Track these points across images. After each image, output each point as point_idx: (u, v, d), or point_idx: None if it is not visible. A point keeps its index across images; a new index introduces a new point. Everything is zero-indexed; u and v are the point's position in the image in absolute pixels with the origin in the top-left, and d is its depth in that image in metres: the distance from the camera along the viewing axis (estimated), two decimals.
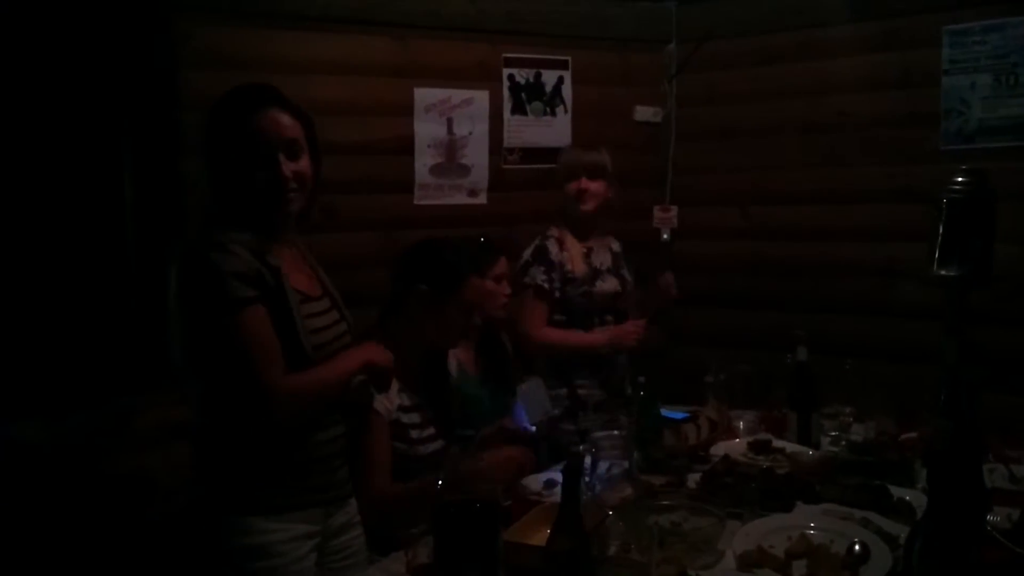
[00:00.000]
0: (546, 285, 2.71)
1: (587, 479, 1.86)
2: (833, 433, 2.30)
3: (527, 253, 2.77)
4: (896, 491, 1.88)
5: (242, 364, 1.55)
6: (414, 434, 2.02)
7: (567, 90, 3.38)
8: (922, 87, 3.05)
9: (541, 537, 1.51)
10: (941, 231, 1.49)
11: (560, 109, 3.38)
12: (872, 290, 3.16)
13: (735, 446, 2.24)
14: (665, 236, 3.58)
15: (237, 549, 1.60)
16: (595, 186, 2.77)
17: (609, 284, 2.82)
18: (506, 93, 3.28)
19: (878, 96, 3.15)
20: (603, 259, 2.85)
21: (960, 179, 1.49)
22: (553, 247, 2.75)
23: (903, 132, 3.10)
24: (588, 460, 1.88)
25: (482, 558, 1.28)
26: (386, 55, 3.06)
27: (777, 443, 2.23)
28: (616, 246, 2.95)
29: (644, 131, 3.55)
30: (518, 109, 3.30)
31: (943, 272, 1.48)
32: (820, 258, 3.29)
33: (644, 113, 3.53)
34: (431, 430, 2.06)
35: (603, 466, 1.91)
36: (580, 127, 3.38)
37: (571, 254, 2.76)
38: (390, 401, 1.94)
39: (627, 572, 1.43)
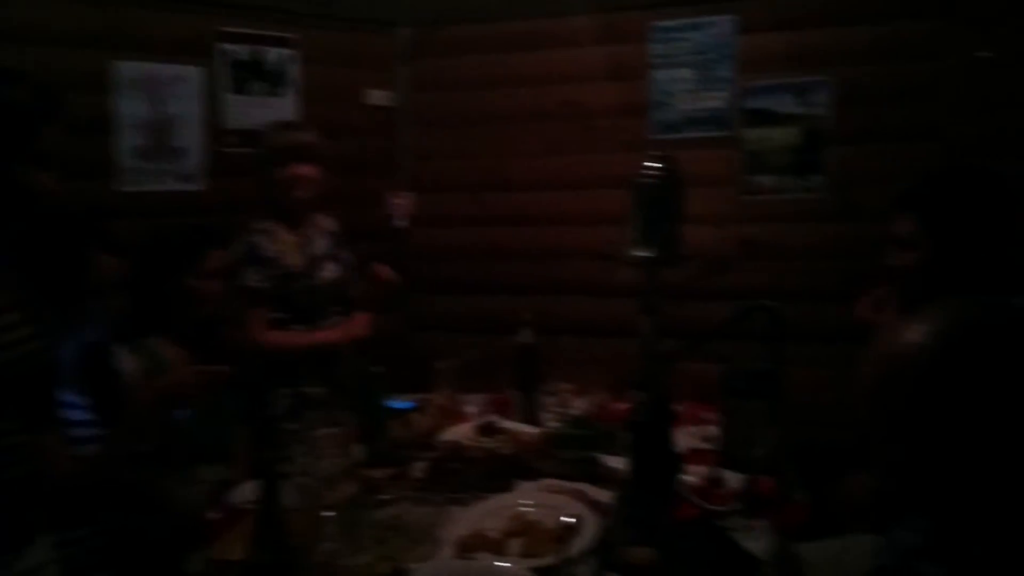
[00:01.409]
0: (259, 285, 2.50)
1: (304, 480, 1.76)
2: (555, 409, 2.38)
3: (236, 252, 2.49)
4: (608, 461, 1.97)
5: None
6: (77, 432, 1.81)
7: (293, 70, 3.21)
8: (634, 79, 3.25)
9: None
10: (635, 214, 1.57)
11: (286, 90, 3.20)
12: (596, 272, 3.32)
13: (463, 431, 2.24)
14: (400, 224, 3.55)
15: None
16: (308, 170, 2.55)
17: (329, 271, 2.64)
18: (223, 71, 3.05)
19: (597, 87, 3.31)
20: (320, 245, 2.66)
21: (650, 164, 1.58)
22: (264, 242, 2.54)
23: (619, 122, 3.28)
24: (304, 459, 1.78)
25: None
26: (79, 22, 2.72)
27: (503, 424, 2.27)
28: (332, 225, 2.73)
29: (376, 116, 3.46)
30: (238, 88, 3.08)
31: (638, 253, 1.56)
32: (549, 243, 3.41)
33: (376, 97, 3.45)
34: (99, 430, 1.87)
35: (322, 465, 1.82)
36: (308, 109, 3.23)
37: (285, 247, 2.56)
38: None
39: None
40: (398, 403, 2.14)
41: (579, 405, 2.38)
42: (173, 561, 1.28)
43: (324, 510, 1.62)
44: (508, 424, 2.26)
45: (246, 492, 1.88)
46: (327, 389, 2.50)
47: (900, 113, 2.97)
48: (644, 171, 1.58)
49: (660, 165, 1.58)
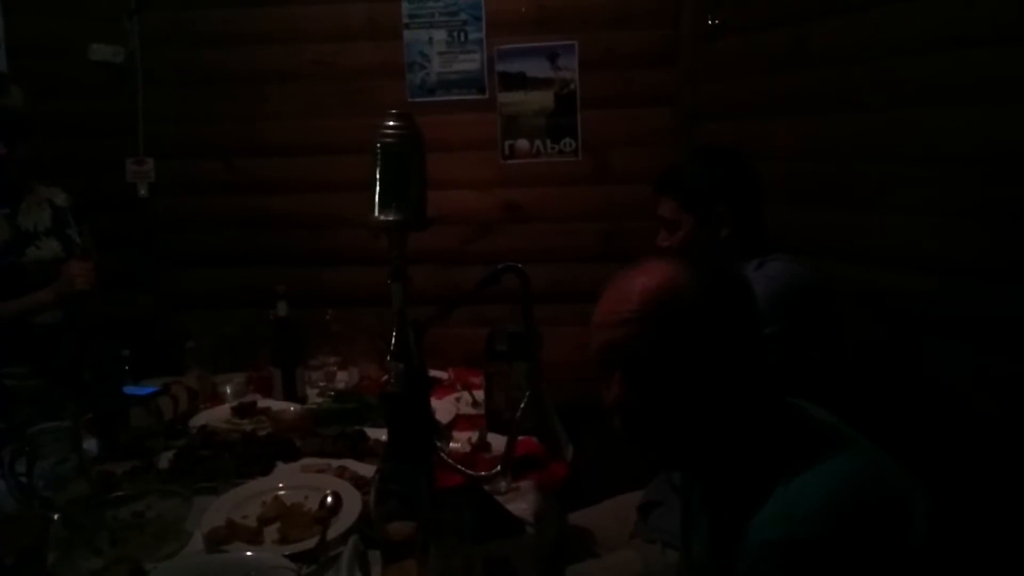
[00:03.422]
0: None
1: (23, 482, 1.56)
2: (320, 384, 2.29)
3: None
4: (374, 433, 1.92)
5: None
6: None
7: None
8: (389, 40, 3.16)
9: None
10: (378, 177, 1.51)
11: None
12: (361, 240, 3.22)
13: (218, 413, 2.10)
14: (143, 192, 3.25)
15: None
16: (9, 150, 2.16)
17: (46, 250, 2.28)
18: None
19: (352, 47, 3.20)
20: (39, 219, 2.31)
21: (389, 124, 1.52)
22: None
23: (376, 83, 3.19)
24: (22, 461, 1.56)
25: None
26: None
27: (263, 403, 2.15)
28: (61, 199, 2.39)
29: (104, 73, 3.11)
30: None
31: (383, 217, 1.51)
32: (309, 210, 3.26)
33: (102, 52, 3.09)
34: None
35: (45, 465, 1.61)
36: (23, 65, 2.82)
37: None
38: None
39: None
40: (139, 389, 1.95)
41: (344, 378, 2.31)
42: None
43: (50, 514, 1.44)
44: (268, 403, 2.15)
45: None
46: (43, 380, 2.23)
47: (640, 78, 3.12)
48: (384, 132, 1.52)
49: (399, 124, 1.53)
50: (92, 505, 1.53)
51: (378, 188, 1.51)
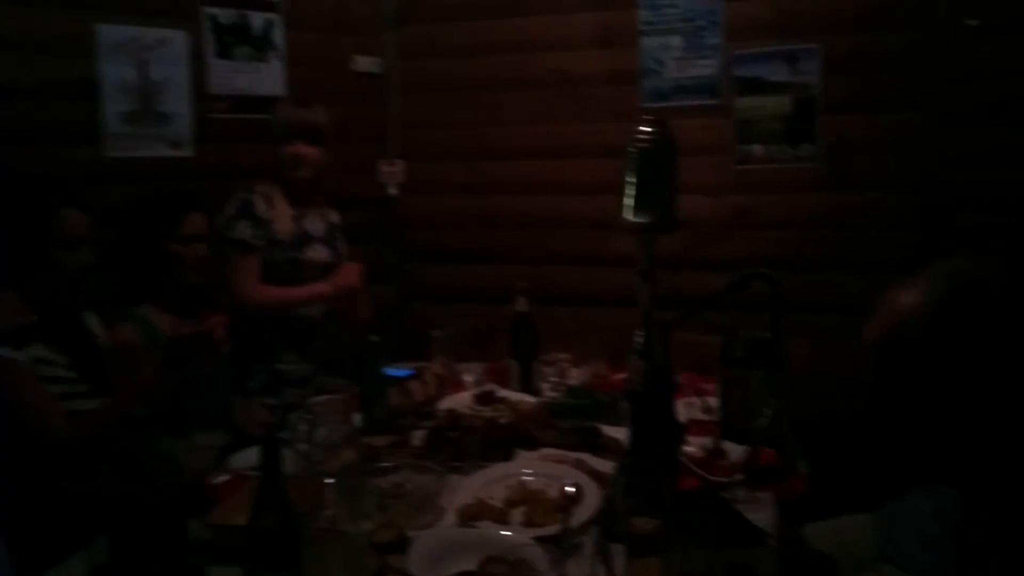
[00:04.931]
0: (252, 241, 2.45)
1: (304, 447, 1.76)
2: (553, 379, 2.38)
3: (230, 207, 2.47)
4: (607, 430, 1.98)
5: None
6: (61, 389, 1.85)
7: (278, 35, 3.15)
8: (624, 47, 3.21)
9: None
10: (632, 180, 1.56)
11: (272, 55, 3.14)
12: (589, 241, 3.32)
13: (461, 399, 2.24)
14: (392, 192, 3.52)
15: None
16: (311, 152, 2.52)
17: (319, 253, 2.58)
18: (208, 35, 2.98)
19: (586, 55, 3.28)
20: (315, 226, 2.61)
21: (644, 129, 1.56)
22: (259, 202, 2.49)
23: (609, 89, 3.25)
24: (304, 427, 1.77)
25: (169, 549, 1.13)
26: None
27: (501, 393, 2.27)
28: (335, 218, 2.72)
29: (364, 82, 3.41)
30: (224, 53, 3.02)
31: (635, 220, 1.55)
32: (542, 212, 3.39)
33: (364, 63, 3.39)
34: (83, 387, 1.89)
35: (322, 432, 1.81)
36: (295, 75, 3.18)
37: (278, 212, 2.51)
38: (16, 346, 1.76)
39: (337, 543, 1.35)
40: (396, 371, 2.13)
41: (576, 375, 2.38)
42: (175, 526, 1.27)
43: (325, 477, 1.62)
44: (506, 393, 2.26)
45: (245, 458, 1.88)
46: (308, 365, 2.50)
47: (890, 82, 2.96)
48: (638, 136, 1.56)
49: (654, 130, 1.56)
50: (360, 472, 1.69)
51: (631, 191, 1.55)
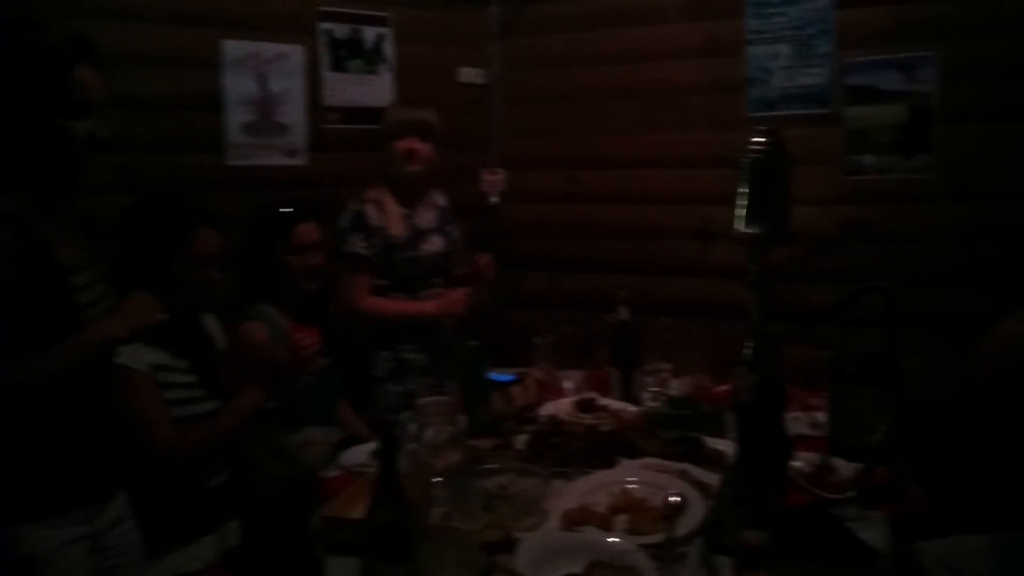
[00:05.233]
0: (365, 253, 2.58)
1: (413, 446, 1.81)
2: (654, 389, 2.37)
3: (344, 220, 2.60)
4: (710, 442, 1.97)
5: None
6: (179, 394, 1.92)
7: (389, 48, 3.26)
8: (729, 56, 3.18)
9: (363, 510, 1.45)
10: (744, 190, 1.55)
11: (383, 67, 3.25)
12: (689, 251, 3.29)
13: (562, 406, 2.26)
14: (494, 200, 3.58)
15: (10, 562, 1.44)
16: (424, 148, 2.63)
17: (434, 244, 2.69)
18: (323, 49, 3.11)
19: (690, 64, 3.26)
20: (427, 218, 2.72)
21: (758, 140, 1.55)
22: (371, 211, 2.60)
23: (713, 99, 3.22)
24: (414, 427, 1.83)
25: (291, 538, 1.19)
26: (188, 2, 2.82)
27: (602, 401, 2.28)
28: (442, 200, 2.81)
29: (469, 93, 3.49)
30: (337, 66, 3.15)
31: (747, 230, 1.54)
32: (641, 221, 3.39)
33: (469, 75, 3.48)
34: (200, 391, 1.98)
35: (429, 432, 1.86)
36: (404, 87, 3.28)
37: (391, 216, 2.62)
38: (138, 354, 1.83)
39: (449, 540, 1.39)
40: (500, 376, 2.17)
41: (677, 385, 2.37)
42: (293, 518, 1.33)
43: (433, 476, 1.66)
44: (607, 401, 2.27)
45: (358, 454, 1.96)
46: (428, 356, 2.59)
47: (1010, 90, 2.83)
48: (751, 146, 1.55)
49: (767, 139, 1.55)
50: (467, 473, 1.74)
51: (744, 201, 1.54)
